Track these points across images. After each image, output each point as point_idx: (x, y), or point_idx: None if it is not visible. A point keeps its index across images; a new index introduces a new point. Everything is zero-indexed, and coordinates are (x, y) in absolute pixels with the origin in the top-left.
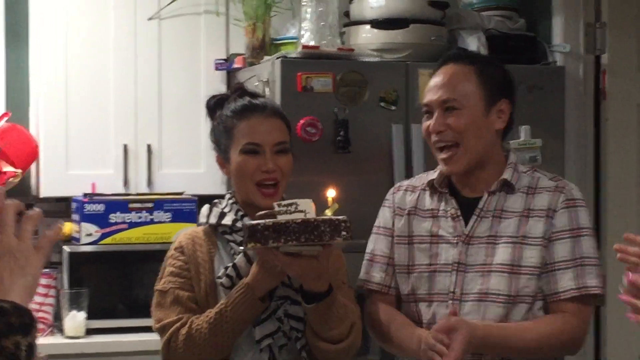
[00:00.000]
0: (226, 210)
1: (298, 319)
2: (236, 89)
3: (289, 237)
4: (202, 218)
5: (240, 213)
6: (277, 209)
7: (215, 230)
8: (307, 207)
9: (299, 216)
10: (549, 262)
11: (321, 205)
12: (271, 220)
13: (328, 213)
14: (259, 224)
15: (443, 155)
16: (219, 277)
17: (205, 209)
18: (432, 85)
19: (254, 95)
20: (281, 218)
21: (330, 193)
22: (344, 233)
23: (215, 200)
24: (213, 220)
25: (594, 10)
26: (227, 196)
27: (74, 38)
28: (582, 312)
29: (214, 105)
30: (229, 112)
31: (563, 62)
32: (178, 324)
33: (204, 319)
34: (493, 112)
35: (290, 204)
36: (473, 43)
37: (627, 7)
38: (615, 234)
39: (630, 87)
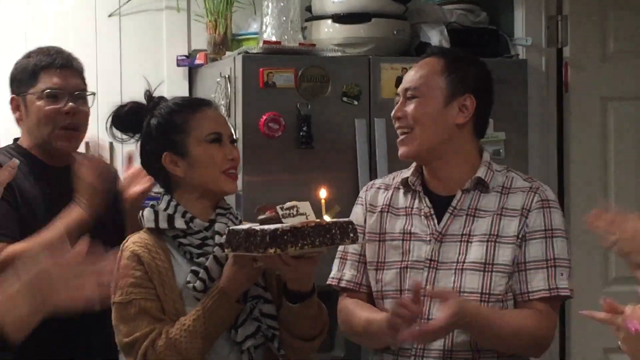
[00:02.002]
0: (170, 212)
1: (272, 318)
2: (150, 97)
3: (305, 242)
4: (148, 223)
5: (188, 215)
6: (281, 212)
7: (162, 234)
8: (307, 210)
9: (301, 219)
10: (520, 262)
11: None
12: (288, 225)
13: (336, 210)
14: (277, 229)
15: (399, 138)
16: (189, 282)
17: (149, 212)
18: (405, 76)
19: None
20: (289, 222)
21: (322, 193)
22: (351, 235)
23: (153, 203)
24: (163, 224)
25: (556, 3)
26: (166, 197)
27: (33, 34)
28: (550, 313)
29: (129, 114)
30: (174, 107)
31: (525, 55)
32: (152, 335)
33: (180, 327)
34: (454, 105)
35: (292, 207)
36: (435, 37)
37: (588, 0)
38: (579, 228)
39: (592, 80)
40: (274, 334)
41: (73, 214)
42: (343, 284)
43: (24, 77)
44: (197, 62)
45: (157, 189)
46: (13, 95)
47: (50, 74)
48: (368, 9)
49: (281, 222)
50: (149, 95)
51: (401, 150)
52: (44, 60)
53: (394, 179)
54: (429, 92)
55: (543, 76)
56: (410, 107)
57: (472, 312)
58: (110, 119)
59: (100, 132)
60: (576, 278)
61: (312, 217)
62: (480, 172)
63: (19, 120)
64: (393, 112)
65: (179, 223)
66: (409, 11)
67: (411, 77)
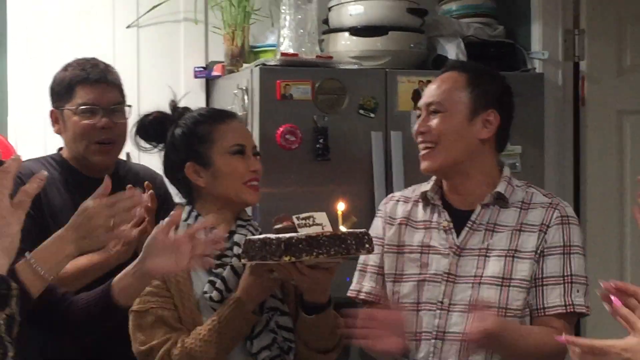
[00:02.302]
0: (190, 222)
1: (289, 330)
2: (175, 107)
3: (320, 251)
4: None
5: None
6: (297, 222)
7: None
8: (323, 220)
9: (317, 229)
10: (538, 277)
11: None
12: (303, 234)
13: (352, 221)
14: (292, 237)
15: (422, 152)
16: (206, 292)
17: None
18: (426, 90)
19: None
20: (305, 231)
21: (340, 206)
22: (367, 245)
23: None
24: None
25: (573, 17)
26: (187, 208)
27: (53, 46)
28: (566, 329)
29: (153, 124)
30: (199, 118)
31: (542, 68)
32: (168, 345)
33: (196, 336)
34: (478, 121)
35: (308, 217)
36: (452, 50)
37: (605, 14)
38: (595, 242)
39: (609, 94)
40: (290, 346)
41: (99, 257)
42: (362, 295)
43: (60, 90)
44: (214, 73)
45: (178, 199)
46: (52, 109)
47: (86, 89)
48: (385, 22)
49: (297, 232)
50: (173, 105)
51: (424, 165)
52: (79, 74)
53: (413, 191)
54: (453, 106)
55: (559, 90)
56: (434, 122)
57: (500, 325)
58: (134, 128)
59: None
60: (592, 292)
61: (328, 228)
62: (500, 187)
63: (58, 133)
64: (415, 126)
65: (199, 234)
66: (426, 24)
67: (433, 91)
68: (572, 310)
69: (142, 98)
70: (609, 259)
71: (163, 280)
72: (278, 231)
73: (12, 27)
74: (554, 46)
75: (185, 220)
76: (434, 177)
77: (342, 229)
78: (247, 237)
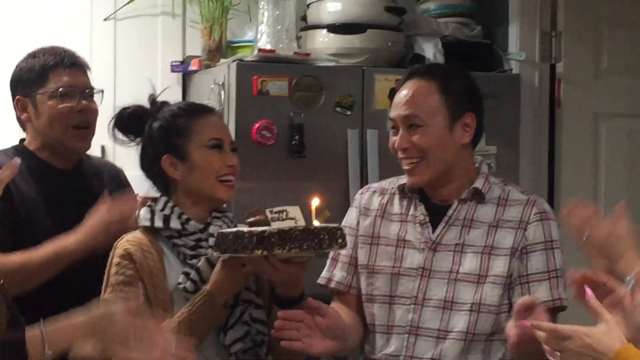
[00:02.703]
0: (167, 212)
1: (262, 323)
2: (154, 101)
3: (292, 245)
4: (144, 221)
5: (184, 216)
6: (270, 215)
7: (157, 234)
8: (296, 214)
9: (290, 223)
10: (523, 274)
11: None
12: (276, 227)
13: (326, 215)
14: (264, 231)
15: (407, 167)
16: (180, 283)
17: (145, 211)
18: (398, 101)
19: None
20: (278, 225)
21: (315, 202)
22: (340, 240)
23: (150, 203)
24: (159, 223)
25: (550, 19)
26: (163, 199)
27: (30, 39)
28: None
29: (132, 117)
30: (178, 111)
31: (519, 70)
32: None
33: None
34: (458, 127)
35: (281, 211)
36: (429, 49)
37: (582, 16)
38: (569, 242)
39: (585, 96)
40: (263, 339)
41: (68, 244)
42: (333, 284)
43: (31, 77)
44: (191, 68)
45: (154, 192)
46: (19, 97)
47: (60, 73)
48: (363, 19)
49: (270, 225)
50: (153, 99)
51: (412, 180)
52: (51, 59)
53: (390, 184)
54: (432, 119)
55: (536, 91)
56: (416, 137)
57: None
58: (113, 121)
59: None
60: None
61: (301, 222)
62: (478, 183)
63: (26, 122)
64: (396, 143)
65: (175, 223)
66: (404, 23)
67: (406, 104)
68: (559, 304)
69: (119, 91)
70: (582, 259)
71: (136, 269)
72: (251, 224)
73: None
74: (531, 47)
75: (162, 210)
76: None
77: (316, 223)
78: (220, 230)
